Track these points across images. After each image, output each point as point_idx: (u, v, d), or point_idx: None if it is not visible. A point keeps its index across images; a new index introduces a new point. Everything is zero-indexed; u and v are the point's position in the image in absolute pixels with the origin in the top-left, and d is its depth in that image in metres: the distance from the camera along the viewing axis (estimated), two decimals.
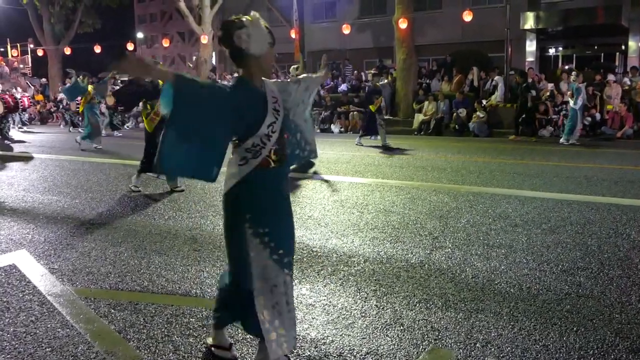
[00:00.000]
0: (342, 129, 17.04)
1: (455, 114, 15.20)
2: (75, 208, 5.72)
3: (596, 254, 3.93)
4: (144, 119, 6.44)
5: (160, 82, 5.92)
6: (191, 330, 2.80)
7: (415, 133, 15.56)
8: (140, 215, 5.35)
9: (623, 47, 19.83)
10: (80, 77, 11.52)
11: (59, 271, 3.75)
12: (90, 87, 11.51)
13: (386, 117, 17.19)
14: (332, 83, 20.69)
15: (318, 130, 17.28)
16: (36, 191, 6.71)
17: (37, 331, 2.83)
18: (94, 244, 4.36)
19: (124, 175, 7.99)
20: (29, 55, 31.59)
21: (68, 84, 12.64)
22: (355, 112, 16.82)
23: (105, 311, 3.05)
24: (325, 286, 3.38)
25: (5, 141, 13.62)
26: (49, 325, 2.89)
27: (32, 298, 3.28)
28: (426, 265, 3.73)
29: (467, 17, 17.53)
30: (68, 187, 6.95)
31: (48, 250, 4.22)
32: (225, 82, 15.43)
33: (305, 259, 3.89)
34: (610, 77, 14.50)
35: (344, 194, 6.23)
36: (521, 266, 3.69)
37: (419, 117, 15.89)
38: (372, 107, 11.77)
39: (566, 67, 18.94)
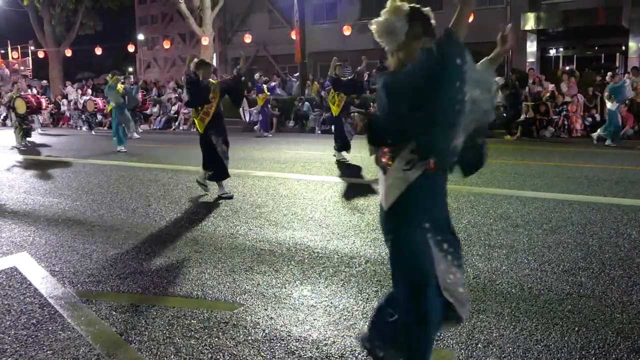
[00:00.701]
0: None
1: None
2: (76, 210, 5.73)
3: (597, 254, 3.93)
4: (195, 120, 6.21)
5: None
6: (193, 332, 2.80)
7: None
8: (141, 217, 5.36)
9: (623, 47, 19.83)
10: (109, 76, 11.30)
11: (60, 273, 3.75)
12: (120, 87, 11.33)
13: None
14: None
15: (319, 132, 17.29)
16: (37, 193, 6.72)
17: (38, 334, 2.84)
18: (95, 246, 4.37)
19: (125, 177, 8.00)
20: (30, 57, 31.66)
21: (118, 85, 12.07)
22: (356, 113, 16.85)
23: (106, 313, 3.05)
24: (326, 287, 3.38)
25: (25, 142, 13.21)
26: (50, 328, 2.90)
27: (33, 301, 3.28)
28: None
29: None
30: (69, 190, 6.96)
31: (49, 253, 4.22)
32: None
33: (306, 260, 3.90)
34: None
35: (344, 195, 6.23)
36: (522, 266, 3.69)
37: None
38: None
39: (567, 67, 18.93)
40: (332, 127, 9.64)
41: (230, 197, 6.16)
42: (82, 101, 19.57)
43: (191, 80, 5.99)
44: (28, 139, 13.40)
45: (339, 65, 9.83)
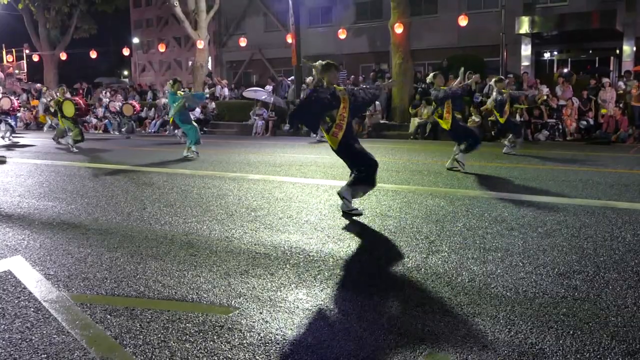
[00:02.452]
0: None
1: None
2: (71, 214, 5.71)
3: (592, 257, 3.95)
4: (325, 135, 5.38)
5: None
6: (188, 336, 2.79)
7: (412, 137, 15.63)
8: (136, 220, 5.35)
9: (617, 51, 19.96)
10: (170, 83, 10.82)
11: (55, 277, 3.73)
12: (180, 94, 10.79)
13: (382, 121, 17.31)
14: None
15: (314, 135, 17.30)
16: (32, 197, 6.70)
17: (33, 338, 2.82)
18: (90, 250, 4.35)
19: (120, 180, 7.98)
20: (25, 61, 31.59)
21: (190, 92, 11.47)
22: None
23: (101, 317, 3.04)
24: (322, 291, 3.38)
25: (74, 148, 12.48)
26: (44, 332, 2.88)
27: (28, 304, 3.27)
28: (422, 269, 3.74)
29: (463, 21, 17.64)
30: (64, 193, 6.94)
31: (44, 256, 4.21)
32: (220, 88, 15.29)
33: (302, 264, 3.89)
34: (605, 80, 14.60)
35: (340, 199, 6.23)
36: (517, 270, 3.70)
37: (414, 122, 15.97)
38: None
39: (564, 70, 19.01)
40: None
41: (360, 214, 5.34)
42: (117, 106, 19.23)
43: (328, 94, 5.10)
44: (78, 144, 12.64)
45: (470, 72, 9.17)
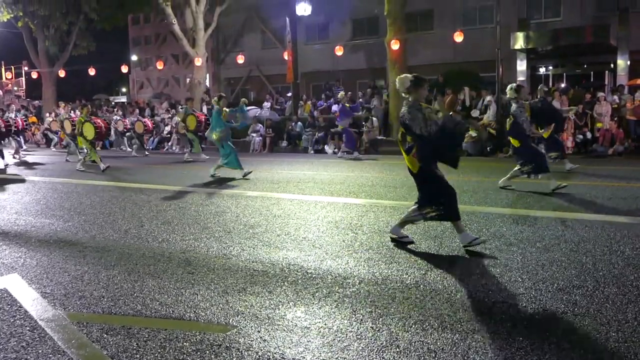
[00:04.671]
0: (336, 150, 17.06)
1: None
2: (68, 231, 5.69)
3: (591, 272, 3.93)
4: (405, 156, 4.84)
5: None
6: (185, 355, 2.76)
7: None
8: (133, 238, 5.32)
9: (612, 65, 20.12)
10: (215, 99, 10.20)
11: (51, 295, 3.70)
12: (226, 111, 10.12)
13: (379, 137, 17.36)
14: (325, 104, 20.82)
15: (312, 151, 17.33)
16: (29, 214, 6.67)
17: (29, 357, 2.79)
18: (86, 268, 4.33)
19: (117, 197, 7.97)
20: (23, 78, 31.68)
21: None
22: None
23: (97, 336, 3.01)
24: (320, 308, 3.36)
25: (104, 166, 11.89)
26: (40, 351, 2.85)
27: (24, 323, 3.23)
28: (422, 286, 3.72)
29: (458, 37, 17.79)
30: (61, 210, 6.91)
31: (40, 274, 4.18)
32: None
33: (300, 281, 3.87)
34: (600, 94, 14.69)
35: (338, 215, 6.23)
36: (517, 285, 3.68)
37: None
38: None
39: (561, 85, 19.15)
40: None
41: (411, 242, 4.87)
42: (128, 122, 18.70)
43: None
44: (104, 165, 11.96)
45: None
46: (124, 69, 26.56)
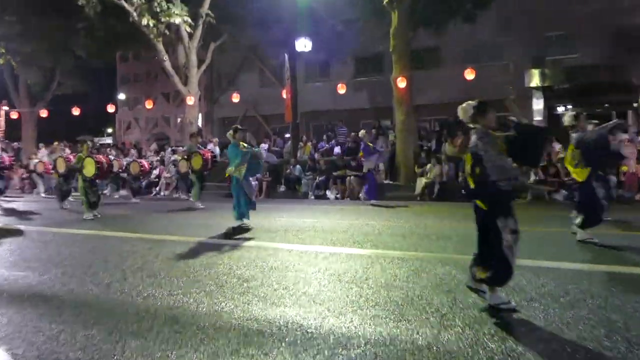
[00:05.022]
0: (339, 195, 17.12)
1: (461, 177, 15.36)
2: (44, 285, 5.62)
3: (622, 331, 3.86)
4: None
5: None
6: None
7: (418, 199, 15.65)
8: (115, 292, 5.26)
9: (635, 104, 20.35)
10: (231, 132, 9.62)
11: (23, 357, 3.63)
12: (244, 145, 9.67)
13: (385, 181, 17.42)
14: (326, 146, 20.98)
15: (312, 197, 17.36)
16: (1, 266, 6.61)
17: None
18: (63, 326, 4.25)
19: (99, 248, 7.92)
20: (3, 117, 32.08)
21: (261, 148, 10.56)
22: (352, 177, 16.95)
23: None
24: None
25: (94, 214, 11.79)
26: None
27: None
28: (434, 347, 3.64)
29: (470, 75, 18.12)
30: (37, 261, 6.86)
31: (12, 334, 4.10)
32: (211, 146, 14.88)
33: (299, 342, 3.80)
34: (624, 136, 14.80)
35: (341, 267, 6.17)
36: (540, 347, 3.61)
37: (421, 181, 16.05)
38: None
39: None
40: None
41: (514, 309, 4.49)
42: (123, 163, 17.66)
43: None
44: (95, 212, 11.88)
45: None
46: (111, 109, 26.91)
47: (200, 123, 28.75)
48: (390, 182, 17.67)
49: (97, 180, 12.51)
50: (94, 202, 11.96)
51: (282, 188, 18.74)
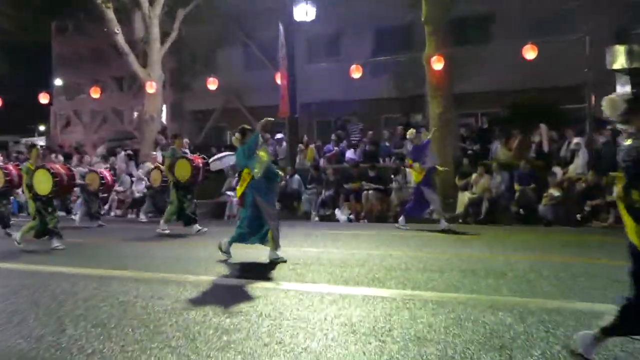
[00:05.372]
0: (352, 216, 17.17)
1: (518, 191, 15.37)
2: None
3: None
4: (630, 224, 4.66)
5: None
6: None
7: (460, 220, 15.67)
8: (50, 348, 5.26)
9: None
10: (237, 135, 9.91)
11: None
12: (263, 155, 9.64)
13: None
14: (335, 149, 20.98)
15: (316, 218, 17.39)
16: None
17: None
18: None
19: (30, 287, 7.95)
20: None
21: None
22: (370, 191, 16.97)
23: None
24: None
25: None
26: None
27: None
28: None
29: (530, 53, 18.05)
30: None
31: None
32: (186, 150, 14.81)
33: None
34: None
35: (355, 314, 6.17)
36: None
37: (464, 197, 16.08)
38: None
39: None
40: None
41: None
42: (80, 172, 17.16)
43: None
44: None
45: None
46: (44, 99, 26.91)
47: (164, 118, 28.82)
48: None
49: (55, 199, 12.38)
50: (51, 230, 11.78)
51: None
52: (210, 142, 26.66)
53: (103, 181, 16.95)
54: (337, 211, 17.39)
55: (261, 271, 8.71)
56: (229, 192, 18.90)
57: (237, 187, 9.84)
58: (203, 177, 14.14)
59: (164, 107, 27.88)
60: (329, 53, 27.74)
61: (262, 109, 28.02)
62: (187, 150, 15.13)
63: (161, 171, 16.22)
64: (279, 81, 21.64)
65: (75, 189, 16.65)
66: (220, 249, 9.79)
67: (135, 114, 36.19)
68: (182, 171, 13.59)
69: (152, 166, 17.49)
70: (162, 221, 14.15)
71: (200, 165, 13.88)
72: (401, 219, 14.50)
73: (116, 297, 7.16)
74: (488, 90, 22.33)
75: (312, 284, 7.75)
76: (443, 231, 13.45)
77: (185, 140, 23.20)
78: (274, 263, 9.37)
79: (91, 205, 17.06)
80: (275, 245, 9.56)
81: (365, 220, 16.68)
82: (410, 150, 14.47)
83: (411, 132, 14.77)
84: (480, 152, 18.19)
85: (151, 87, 23.08)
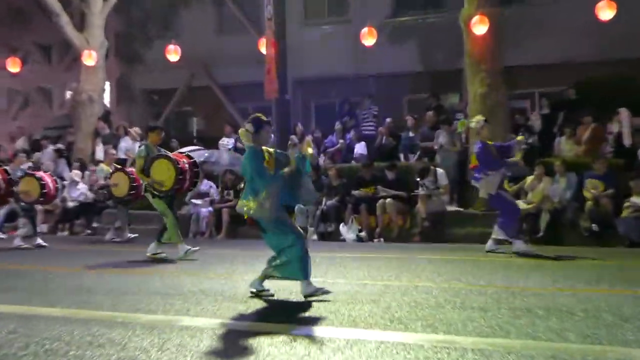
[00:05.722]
0: (363, 234, 17.14)
1: (590, 200, 15.36)
2: None
3: None
4: None
5: None
6: None
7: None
8: None
9: None
10: (248, 126, 9.28)
11: None
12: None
13: (450, 208, 17.41)
14: (339, 143, 20.95)
15: (314, 237, 17.36)
16: None
17: None
18: None
19: None
20: None
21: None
22: (389, 200, 16.93)
23: None
24: None
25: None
26: None
27: None
28: None
29: (606, 12, 17.96)
30: None
31: None
32: (132, 142, 14.81)
33: None
34: None
35: None
36: None
37: None
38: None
39: None
40: None
41: None
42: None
43: None
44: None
45: None
46: None
47: (107, 100, 28.75)
48: (459, 209, 17.67)
49: None
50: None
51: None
52: (171, 133, 26.50)
53: (44, 190, 16.63)
54: (342, 227, 17.37)
55: (240, 310, 8.68)
56: (195, 201, 18.88)
57: (245, 200, 9.07)
58: (190, 183, 14.03)
59: (107, 85, 27.82)
60: (332, 12, 27.73)
61: (240, 88, 28.18)
62: (160, 149, 14.57)
63: (128, 176, 15.96)
64: (263, 50, 21.62)
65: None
66: (306, 296, 9.24)
67: (68, 94, 36.05)
68: (162, 175, 13.33)
69: (109, 169, 17.40)
70: (154, 244, 13.98)
71: (187, 167, 13.65)
72: (519, 243, 13.75)
73: (42, 343, 7.14)
74: (549, 63, 22.33)
75: (308, 325, 7.72)
76: (517, 254, 13.39)
77: (135, 129, 23.28)
78: (257, 296, 9.36)
79: (21, 215, 17.10)
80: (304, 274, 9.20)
81: (381, 240, 16.70)
82: (478, 149, 13.79)
83: (478, 119, 14.30)
84: (539, 147, 18.17)
85: (90, 58, 23.09)
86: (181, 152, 15.00)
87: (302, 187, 9.46)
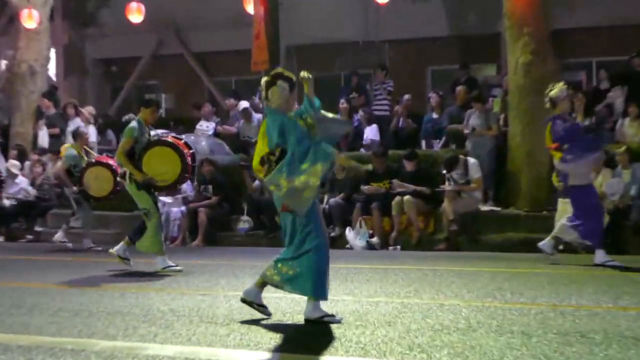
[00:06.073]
0: (374, 239, 17.18)
1: None
2: None
3: None
4: None
5: None
6: None
7: (562, 246, 15.66)
8: None
9: None
10: (264, 82, 9.10)
11: None
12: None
13: (484, 207, 17.41)
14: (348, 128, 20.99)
15: None
16: None
17: None
18: None
19: None
20: None
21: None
22: (407, 198, 16.94)
23: None
24: None
25: None
26: None
27: None
28: None
29: None
30: None
31: None
32: (84, 125, 14.97)
33: None
34: None
35: None
36: None
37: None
38: None
39: None
40: None
41: None
42: None
43: None
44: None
45: None
46: None
47: (53, 72, 28.79)
48: (496, 209, 17.69)
49: None
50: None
51: (243, 223, 18.79)
52: (134, 111, 26.33)
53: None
54: (349, 232, 17.39)
55: (216, 332, 8.72)
56: (164, 199, 18.89)
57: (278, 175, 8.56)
58: (190, 174, 14.06)
59: (53, 53, 27.85)
60: None
61: (220, 57, 28.28)
62: (160, 132, 14.72)
63: (111, 171, 15.70)
64: (250, 10, 21.68)
65: None
66: (310, 320, 9.09)
67: (3, 65, 36.08)
68: (157, 165, 13.15)
69: (83, 155, 17.36)
70: (122, 244, 13.89)
71: (187, 155, 13.48)
72: (600, 254, 13.68)
73: None
74: (608, 26, 22.38)
75: (306, 354, 7.77)
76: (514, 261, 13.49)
77: (88, 108, 23.29)
78: (250, 323, 9.40)
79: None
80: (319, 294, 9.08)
81: (398, 247, 16.73)
82: (557, 126, 13.58)
83: (561, 87, 13.98)
84: (595, 131, 18.20)
85: (30, 19, 23.15)
86: (176, 137, 14.41)
87: (329, 121, 9.34)
